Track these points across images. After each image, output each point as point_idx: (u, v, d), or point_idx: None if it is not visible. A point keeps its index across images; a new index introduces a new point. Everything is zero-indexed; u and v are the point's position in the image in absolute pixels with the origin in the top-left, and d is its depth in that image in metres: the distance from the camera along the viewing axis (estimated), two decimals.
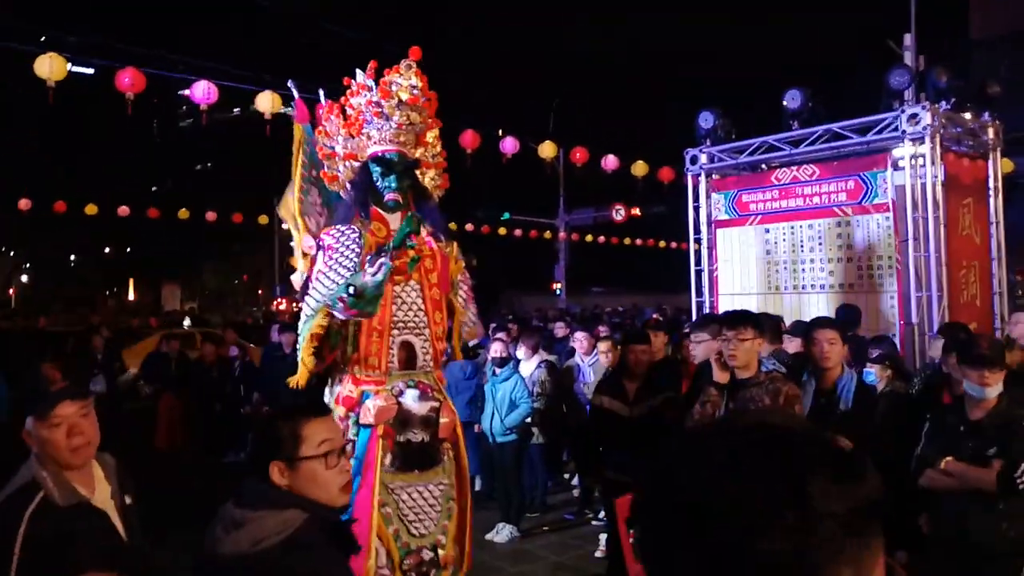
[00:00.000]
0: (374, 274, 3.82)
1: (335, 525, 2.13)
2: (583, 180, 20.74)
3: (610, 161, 16.21)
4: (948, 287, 7.72)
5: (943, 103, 7.87)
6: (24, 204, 21.49)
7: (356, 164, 4.35)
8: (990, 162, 8.52)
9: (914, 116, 7.64)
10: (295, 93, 4.74)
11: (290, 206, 4.54)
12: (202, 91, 11.83)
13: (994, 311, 8.46)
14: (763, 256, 9.16)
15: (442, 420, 4.19)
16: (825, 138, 8.57)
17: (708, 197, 9.74)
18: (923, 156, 7.67)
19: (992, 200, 8.53)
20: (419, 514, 4.06)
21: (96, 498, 2.63)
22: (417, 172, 4.49)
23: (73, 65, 10.71)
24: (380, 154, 4.27)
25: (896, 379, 5.53)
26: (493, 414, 7.61)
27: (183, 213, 24.42)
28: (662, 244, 34.58)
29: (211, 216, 25.19)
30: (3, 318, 29.13)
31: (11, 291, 46.70)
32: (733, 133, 9.63)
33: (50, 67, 10.13)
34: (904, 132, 7.71)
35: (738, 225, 9.43)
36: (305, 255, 4.45)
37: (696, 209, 9.92)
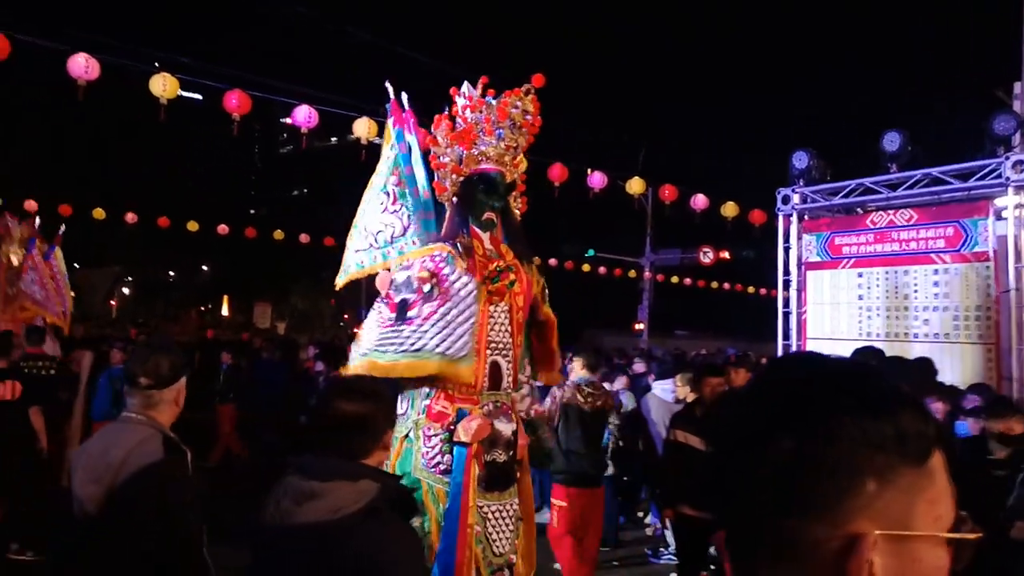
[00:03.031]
0: (464, 429, 3.88)
1: (399, 492, 2.25)
2: (671, 219, 20.57)
3: (699, 200, 16.05)
4: None
5: None
6: (131, 218, 22.37)
7: (458, 178, 4.36)
8: None
9: (1020, 163, 7.40)
10: (391, 94, 4.73)
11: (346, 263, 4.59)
12: (304, 115, 12.28)
13: None
14: (855, 301, 8.94)
15: (520, 441, 4.20)
16: (924, 182, 8.36)
17: (799, 238, 9.58)
18: None
19: None
20: (500, 533, 4.07)
21: None
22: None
23: (183, 90, 11.23)
24: (487, 172, 4.29)
25: None
26: None
27: (278, 234, 25.22)
28: (750, 289, 33.98)
29: (304, 238, 25.91)
30: (101, 327, 30.33)
31: (112, 303, 48.76)
32: (828, 174, 9.47)
33: (163, 86, 10.66)
34: (1008, 179, 7.47)
35: (830, 268, 9.24)
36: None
37: (787, 250, 9.77)
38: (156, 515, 2.59)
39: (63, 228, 11.77)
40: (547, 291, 4.58)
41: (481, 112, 4.28)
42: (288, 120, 13.01)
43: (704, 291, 32.90)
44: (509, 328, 4.21)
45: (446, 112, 4.45)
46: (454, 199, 4.35)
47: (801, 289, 9.53)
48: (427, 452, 3.88)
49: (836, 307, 9.11)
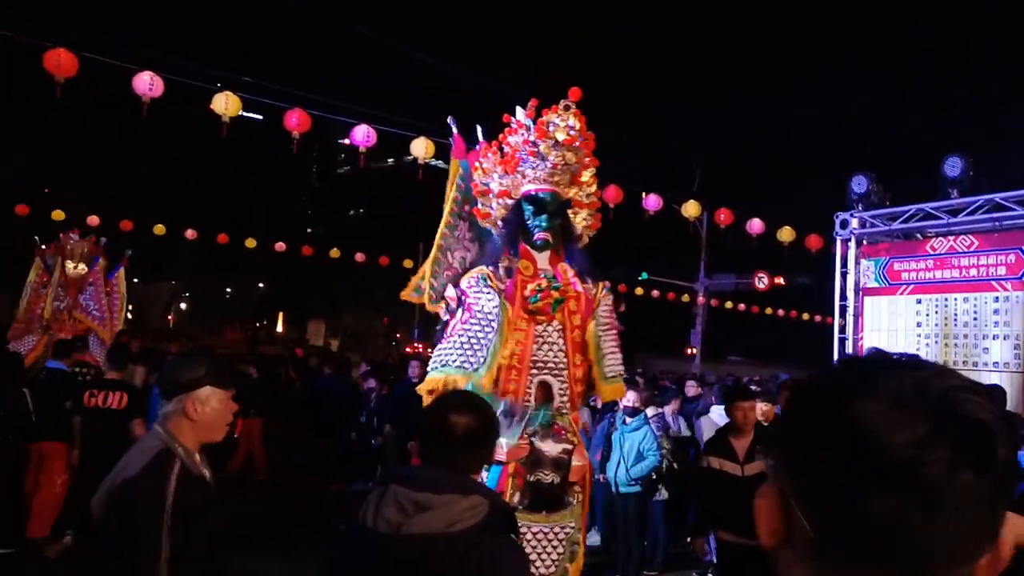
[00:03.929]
0: (508, 427, 3.95)
1: (504, 508, 2.27)
2: (726, 244, 20.38)
3: (755, 225, 15.90)
4: None
5: None
6: (191, 234, 22.80)
7: (509, 202, 4.38)
8: None
9: None
10: (454, 129, 4.80)
11: (422, 280, 4.63)
12: (362, 135, 12.48)
13: None
14: (913, 328, 8.80)
15: (574, 463, 4.12)
16: (986, 208, 8.23)
17: (857, 263, 9.47)
18: None
19: None
20: (540, 554, 4.01)
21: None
22: (569, 212, 4.50)
23: (244, 110, 11.46)
24: (533, 193, 4.30)
25: None
26: (619, 463, 7.56)
27: (334, 253, 25.61)
28: (805, 316, 33.46)
29: (360, 257, 26.24)
30: (157, 340, 30.98)
31: (170, 317, 49.91)
32: (887, 199, 9.36)
33: (225, 104, 10.91)
34: None
35: (888, 294, 9.11)
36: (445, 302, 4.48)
37: (844, 275, 9.66)
38: (119, 533, 2.48)
39: (129, 252, 12.07)
40: (611, 310, 4.51)
41: (520, 135, 4.30)
42: (346, 140, 13.22)
43: (758, 317, 32.48)
44: (564, 347, 4.17)
45: (497, 140, 4.49)
46: (500, 223, 4.40)
47: (858, 315, 9.41)
48: None
49: (893, 333, 8.97)
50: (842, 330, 9.68)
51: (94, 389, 6.97)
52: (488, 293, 4.08)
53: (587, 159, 4.48)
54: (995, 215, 8.21)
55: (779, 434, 0.89)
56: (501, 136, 4.44)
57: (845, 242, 9.67)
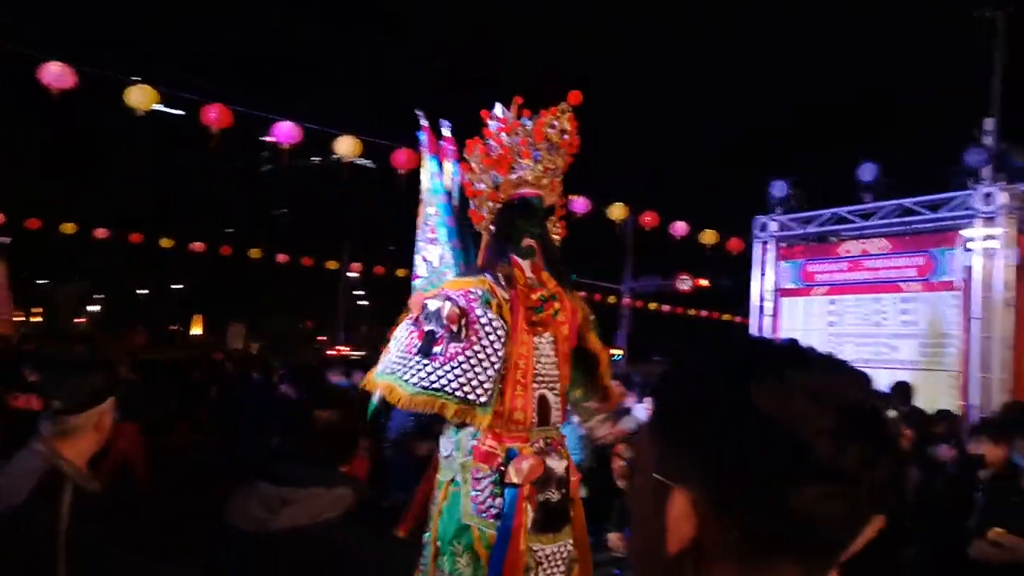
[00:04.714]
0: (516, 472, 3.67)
1: (373, 499, 2.24)
2: (651, 247, 20.64)
3: (679, 227, 16.20)
4: (1013, 370, 7.57)
5: (1020, 184, 7.82)
6: (101, 233, 21.99)
7: (495, 205, 4.10)
8: None
9: (989, 195, 7.61)
10: (423, 122, 4.55)
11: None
12: (285, 132, 12.21)
13: None
14: (827, 328, 9.09)
15: (572, 478, 3.92)
16: (896, 213, 8.58)
17: (775, 265, 9.75)
18: (995, 236, 7.61)
19: None
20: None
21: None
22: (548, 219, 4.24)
23: (162, 105, 11.13)
24: (526, 197, 4.03)
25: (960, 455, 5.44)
26: None
27: (255, 253, 25.09)
28: (727, 317, 34.24)
29: (282, 258, 25.78)
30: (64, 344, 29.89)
31: (80, 320, 48.27)
32: (804, 203, 9.66)
33: (141, 97, 10.54)
34: (977, 211, 7.68)
35: (803, 295, 9.41)
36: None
37: (762, 276, 9.93)
38: (11, 568, 2.27)
39: (8, 240, 11.61)
40: (593, 319, 4.28)
41: (517, 135, 4.04)
42: (271, 138, 12.96)
43: (682, 318, 33.12)
44: (555, 360, 3.96)
45: (477, 136, 4.17)
46: (491, 227, 4.10)
47: (775, 315, 9.68)
48: (476, 496, 3.62)
49: (808, 334, 9.24)
50: (759, 330, 9.94)
51: None
52: (492, 317, 3.80)
53: (567, 166, 4.25)
54: (905, 219, 8.56)
55: (677, 434, 0.87)
56: (487, 132, 4.15)
57: (764, 245, 9.95)
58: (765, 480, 0.79)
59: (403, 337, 3.81)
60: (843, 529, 0.81)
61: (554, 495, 3.77)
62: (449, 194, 4.39)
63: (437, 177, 4.42)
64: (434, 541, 3.53)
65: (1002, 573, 3.86)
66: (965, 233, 7.97)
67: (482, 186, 4.13)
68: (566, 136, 4.03)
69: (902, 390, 7.06)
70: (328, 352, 31.24)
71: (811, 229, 9.48)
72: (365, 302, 45.93)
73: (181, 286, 51.31)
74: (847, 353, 8.72)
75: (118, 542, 2.48)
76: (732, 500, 0.81)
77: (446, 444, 3.81)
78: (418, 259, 4.43)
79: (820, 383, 0.83)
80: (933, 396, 7.78)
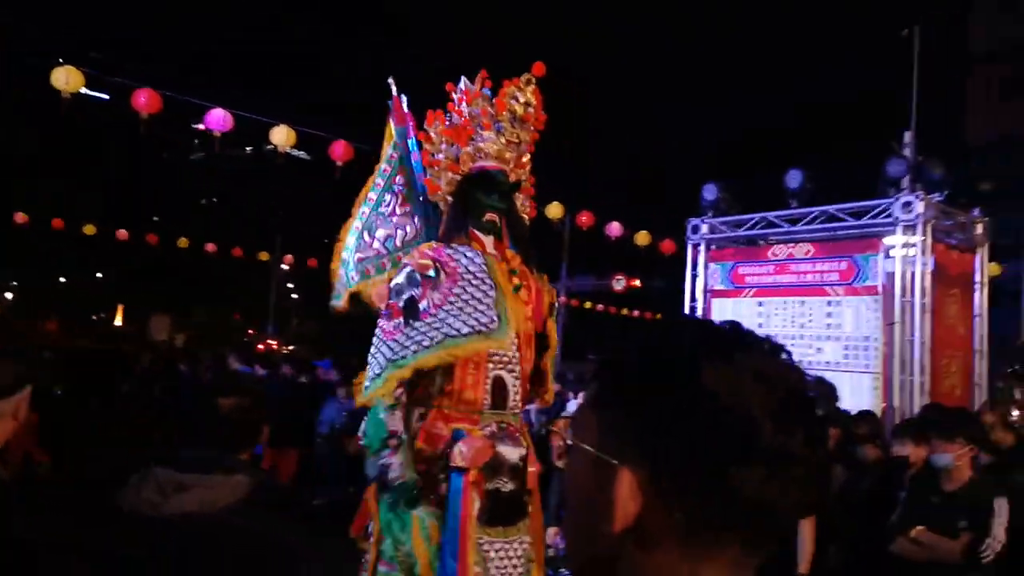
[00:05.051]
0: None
1: (279, 490, 2.24)
2: (587, 247, 20.75)
3: (614, 228, 16.40)
4: (931, 373, 7.93)
5: (936, 194, 8.19)
6: (20, 218, 20.93)
7: (454, 177, 3.93)
8: (977, 257, 8.83)
9: (908, 204, 7.96)
10: (394, 90, 4.35)
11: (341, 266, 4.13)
12: (217, 119, 11.87)
13: (973, 403, 8.61)
14: (756, 329, 9.29)
15: (530, 468, 3.71)
16: (822, 219, 8.89)
17: (706, 267, 10.00)
18: (914, 244, 7.95)
19: (977, 294, 8.82)
20: (503, 574, 3.55)
21: None
22: (514, 196, 4.04)
23: (87, 88, 10.78)
24: (486, 170, 3.85)
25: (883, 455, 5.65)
26: None
27: (182, 242, 24.46)
28: (659, 316, 34.64)
29: (211, 247, 25.18)
30: None
31: None
32: (735, 206, 9.93)
33: (66, 79, 10.22)
34: (898, 219, 8.01)
35: (733, 296, 9.67)
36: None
37: (694, 278, 10.18)
38: None
39: None
40: (555, 307, 4.09)
41: (477, 105, 3.88)
42: (201, 125, 12.65)
43: (616, 317, 33.45)
44: (515, 340, 3.68)
45: (439, 108, 4.05)
46: (449, 199, 3.92)
47: (706, 315, 9.92)
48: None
49: None
50: None
51: None
52: (465, 251, 3.61)
53: (533, 141, 4.09)
54: (829, 225, 8.89)
55: (622, 413, 0.87)
56: (450, 105, 4.03)
57: (696, 247, 10.19)
58: (713, 460, 0.80)
59: (385, 329, 3.56)
60: (784, 512, 0.82)
61: (506, 484, 3.56)
62: (414, 166, 4.19)
63: (405, 147, 4.25)
64: (377, 532, 3.39)
65: (922, 570, 4.04)
66: (886, 240, 8.31)
67: (441, 156, 3.98)
68: (531, 109, 3.88)
69: (827, 390, 7.33)
70: (259, 345, 30.69)
71: (741, 232, 9.76)
72: (296, 295, 45.23)
73: (101, 275, 49.80)
74: None
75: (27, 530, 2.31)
76: (678, 480, 0.81)
77: (391, 423, 3.45)
78: (358, 234, 4.17)
79: (765, 366, 0.85)
80: (855, 397, 8.09)
